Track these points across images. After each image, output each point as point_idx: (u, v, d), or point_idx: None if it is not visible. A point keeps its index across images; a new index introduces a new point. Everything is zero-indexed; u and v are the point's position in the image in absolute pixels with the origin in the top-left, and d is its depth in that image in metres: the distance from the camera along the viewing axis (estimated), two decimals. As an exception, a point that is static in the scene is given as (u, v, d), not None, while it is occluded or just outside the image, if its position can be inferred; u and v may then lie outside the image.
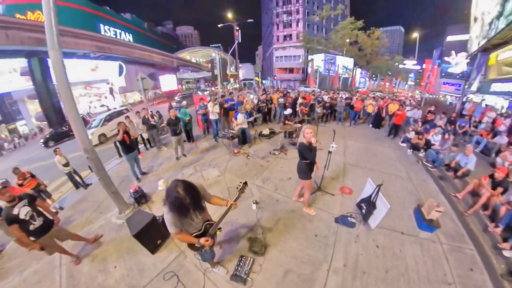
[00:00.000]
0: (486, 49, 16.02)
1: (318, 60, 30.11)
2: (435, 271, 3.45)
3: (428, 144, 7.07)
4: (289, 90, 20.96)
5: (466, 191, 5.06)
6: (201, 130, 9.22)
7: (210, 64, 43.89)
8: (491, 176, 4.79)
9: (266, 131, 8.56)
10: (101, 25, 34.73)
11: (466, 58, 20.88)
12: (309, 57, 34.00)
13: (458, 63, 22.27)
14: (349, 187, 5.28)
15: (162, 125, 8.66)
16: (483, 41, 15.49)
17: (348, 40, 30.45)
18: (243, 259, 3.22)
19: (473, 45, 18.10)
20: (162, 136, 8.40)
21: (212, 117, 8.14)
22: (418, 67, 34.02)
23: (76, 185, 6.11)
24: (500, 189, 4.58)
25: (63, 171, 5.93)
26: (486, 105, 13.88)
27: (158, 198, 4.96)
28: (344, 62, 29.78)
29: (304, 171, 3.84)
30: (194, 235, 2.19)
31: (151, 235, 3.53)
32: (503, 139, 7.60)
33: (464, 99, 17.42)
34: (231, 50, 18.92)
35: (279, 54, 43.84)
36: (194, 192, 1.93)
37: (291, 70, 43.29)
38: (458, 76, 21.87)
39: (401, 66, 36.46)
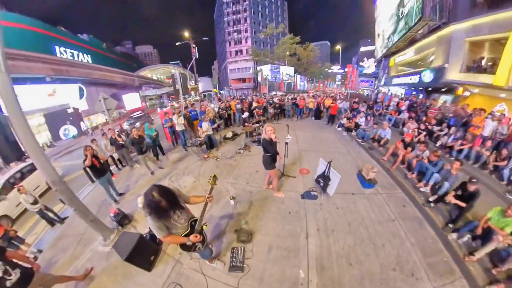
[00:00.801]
0: (387, 56, 20.62)
1: (266, 70, 33.10)
2: (381, 214, 4.19)
3: (357, 126, 8.27)
4: (254, 95, 21.84)
5: (389, 154, 6.17)
6: (170, 142, 8.72)
7: (171, 80, 42.34)
8: (403, 141, 5.96)
9: (229, 134, 8.66)
10: (57, 47, 28.84)
11: (374, 62, 26.66)
12: (258, 68, 36.93)
13: (369, 66, 28.96)
14: (306, 168, 5.77)
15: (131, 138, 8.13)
16: (384, 50, 20.27)
17: (288, 53, 34.75)
18: (235, 250, 3.24)
19: (378, 53, 23.19)
20: (133, 154, 7.63)
21: (178, 128, 7.82)
22: (342, 71, 40.09)
23: (51, 222, 4.93)
24: (409, 149, 5.80)
25: (32, 210, 4.75)
26: (391, 93, 16.89)
27: (141, 216, 4.48)
28: (286, 70, 33.56)
29: (269, 162, 4.12)
30: (183, 235, 2.12)
31: (143, 254, 3.22)
32: (405, 115, 9.47)
33: (376, 91, 20.97)
34: (190, 66, 18.52)
35: (233, 67, 46.34)
36: (168, 193, 1.87)
37: (244, 80, 46.04)
38: (370, 75, 28.02)
39: (330, 70, 42.43)
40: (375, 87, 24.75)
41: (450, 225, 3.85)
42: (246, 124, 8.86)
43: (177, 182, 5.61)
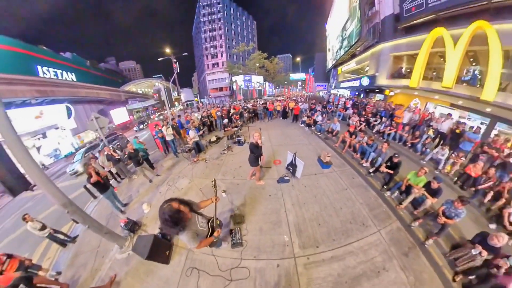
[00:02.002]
0: (336, 66, 22.65)
1: (239, 80, 34.21)
2: (337, 186, 4.81)
3: (315, 122, 9.01)
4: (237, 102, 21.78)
5: (339, 141, 6.95)
6: (162, 151, 8.34)
7: (157, 94, 38.86)
8: (348, 131, 6.72)
9: (213, 139, 8.66)
10: (39, 67, 23.68)
11: (327, 71, 28.80)
12: (233, 79, 37.94)
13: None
14: (279, 159, 6.16)
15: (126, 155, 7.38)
16: (333, 61, 22.37)
17: (258, 65, 36.05)
18: (233, 231, 3.46)
19: (329, 64, 25.21)
20: (129, 166, 7.08)
21: (168, 138, 7.58)
22: (303, 78, 42.75)
23: (62, 243, 4.32)
24: (353, 136, 6.56)
25: (41, 236, 4.09)
26: (340, 95, 18.49)
27: (148, 220, 4.30)
28: (257, 79, 35.08)
29: (254, 161, 4.47)
30: (208, 235, 2.11)
31: (160, 251, 3.24)
32: (350, 111, 10.56)
33: (329, 93, 22.70)
34: (172, 79, 17.71)
35: (211, 78, 46.17)
36: (182, 200, 1.81)
37: (221, 89, 46.25)
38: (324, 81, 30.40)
39: (292, 78, 44.55)
40: (328, 90, 26.88)
41: (385, 187, 4.73)
42: (226, 128, 8.97)
43: (174, 185, 5.46)
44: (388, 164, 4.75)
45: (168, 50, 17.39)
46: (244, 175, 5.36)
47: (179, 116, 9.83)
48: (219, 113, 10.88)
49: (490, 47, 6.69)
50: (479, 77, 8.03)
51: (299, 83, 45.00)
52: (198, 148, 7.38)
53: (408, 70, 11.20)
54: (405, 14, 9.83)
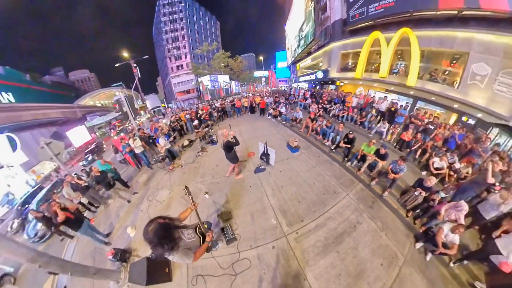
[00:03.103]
0: (295, 62, 24.17)
1: (205, 80, 32.54)
2: (307, 165, 5.12)
3: (280, 113, 9.36)
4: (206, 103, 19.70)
5: (303, 127, 7.42)
6: (134, 166, 7.05)
7: (117, 105, 32.03)
8: (310, 118, 7.20)
9: (185, 142, 7.99)
10: None
11: (287, 67, 29.59)
12: (199, 79, 35.64)
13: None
14: (252, 152, 6.18)
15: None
16: (292, 59, 24.16)
17: (222, 65, 34.93)
18: (224, 229, 3.36)
19: (289, 61, 27.35)
20: (101, 191, 5.79)
21: (138, 151, 6.50)
22: (266, 74, 43.61)
23: None
24: (314, 121, 7.05)
25: None
26: (299, 87, 19.62)
27: (137, 244, 3.69)
28: (223, 78, 34.26)
29: (234, 157, 4.33)
30: (201, 244, 1.95)
31: (158, 271, 2.87)
32: (309, 100, 11.33)
33: (290, 87, 23.85)
34: (134, 86, 15.02)
35: (176, 81, 42.14)
36: (162, 217, 1.64)
37: (188, 91, 42.83)
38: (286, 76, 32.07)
39: (256, 76, 44.87)
40: (289, 84, 28.34)
41: (345, 159, 5.32)
42: (197, 130, 8.44)
43: (155, 199, 4.83)
44: (345, 140, 5.36)
45: (126, 54, 14.97)
46: (222, 173, 5.20)
47: (140, 129, 8.60)
48: (188, 116, 10.20)
49: (412, 47, 8.54)
50: (404, 69, 10.02)
51: (263, 79, 45.93)
52: (172, 155, 6.70)
53: (353, 64, 12.86)
54: (350, 20, 11.37)
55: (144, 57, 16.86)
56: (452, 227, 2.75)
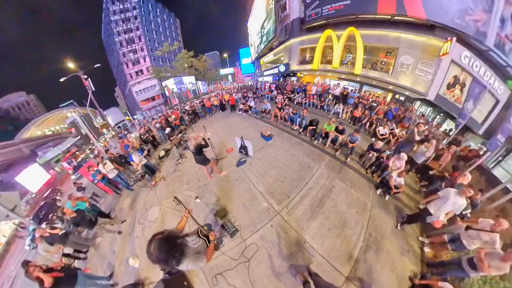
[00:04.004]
0: (258, 58, 24.71)
1: (170, 84, 29.01)
2: (282, 149, 5.49)
3: (250, 107, 9.55)
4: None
5: (272, 117, 7.84)
6: (112, 193, 6.04)
7: (73, 129, 24.67)
8: (277, 107, 7.59)
9: (162, 153, 7.22)
10: None
11: (251, 63, 29.80)
12: (163, 84, 31.58)
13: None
14: (231, 147, 6.18)
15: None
16: (256, 55, 24.91)
17: (186, 65, 31.76)
18: (224, 225, 3.40)
19: (253, 57, 27.71)
20: (85, 234, 4.68)
21: (111, 175, 5.47)
22: (232, 71, 42.40)
23: None
24: (282, 110, 7.49)
25: None
26: (265, 81, 20.07)
27: (145, 272, 3.33)
28: (189, 80, 31.05)
29: (204, 159, 4.19)
30: (207, 246, 1.92)
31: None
32: (275, 92, 11.82)
33: (256, 81, 24.09)
34: (88, 102, 11.75)
35: (137, 88, 36.11)
36: (161, 232, 1.50)
37: (153, 98, 37.68)
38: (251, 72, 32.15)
39: (222, 73, 43.26)
40: (255, 79, 28.61)
41: (312, 138, 5.93)
42: (171, 137, 7.84)
43: (146, 221, 4.37)
44: (310, 123, 5.95)
45: (71, 65, 11.93)
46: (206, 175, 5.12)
47: (107, 151, 7.31)
48: (158, 125, 9.33)
49: (357, 43, 10.34)
50: (352, 60, 11.76)
51: (230, 76, 44.77)
52: (151, 170, 5.99)
53: (311, 58, 14.07)
54: (307, 19, 12.42)
55: (96, 65, 13.55)
56: (398, 173, 3.69)
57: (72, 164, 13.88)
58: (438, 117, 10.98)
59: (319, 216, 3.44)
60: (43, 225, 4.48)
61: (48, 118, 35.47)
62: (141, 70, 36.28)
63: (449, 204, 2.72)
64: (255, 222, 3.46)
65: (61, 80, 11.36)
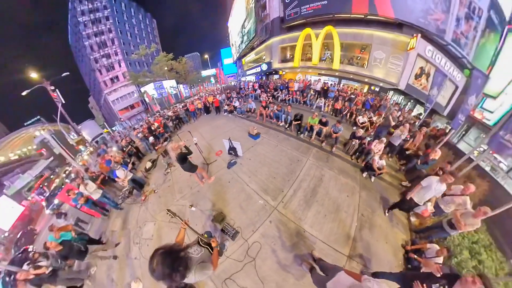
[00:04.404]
0: (240, 58, 25.03)
1: (150, 89, 27.07)
2: (270, 146, 5.62)
3: (235, 107, 9.54)
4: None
5: (258, 116, 7.94)
6: (99, 216, 5.44)
7: (44, 149, 21.08)
8: (262, 106, 7.71)
9: (148, 165, 6.74)
10: None
11: (233, 63, 29.58)
12: (142, 90, 29.27)
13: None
14: (219, 150, 6.10)
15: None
16: (237, 55, 24.99)
17: (166, 68, 29.76)
18: (224, 229, 3.41)
19: (234, 57, 27.53)
20: (76, 267, 4.10)
21: (96, 196, 4.94)
22: (214, 72, 41.41)
23: None
24: (267, 108, 7.63)
25: None
26: (248, 80, 20.19)
27: None
28: (169, 84, 29.23)
29: (191, 166, 4.05)
30: (212, 251, 1.91)
31: None
32: (259, 91, 11.98)
33: (239, 81, 24.08)
34: (59, 116, 10.39)
35: (114, 97, 32.56)
36: (162, 247, 1.44)
37: (132, 107, 34.38)
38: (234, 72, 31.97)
39: (204, 75, 42.10)
40: (238, 78, 28.58)
41: (298, 132, 6.15)
42: (156, 147, 7.48)
43: (142, 239, 4.10)
44: (295, 118, 6.16)
45: (35, 75, 10.52)
46: (198, 182, 5.00)
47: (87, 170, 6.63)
48: (140, 135, 8.82)
49: (334, 41, 11.14)
50: (330, 57, 12.51)
51: (212, 78, 43.81)
52: (139, 184, 5.55)
53: (291, 55, 14.55)
54: (287, 18, 12.89)
55: (64, 74, 11.94)
56: (380, 156, 4.09)
57: (44, 194, 10.92)
58: (409, 103, 12.28)
59: (314, 204, 3.63)
60: (25, 267, 3.96)
61: (12, 140, 29.79)
62: (117, 77, 33.08)
63: (432, 191, 2.89)
64: (254, 221, 3.51)
65: (24, 93, 9.99)
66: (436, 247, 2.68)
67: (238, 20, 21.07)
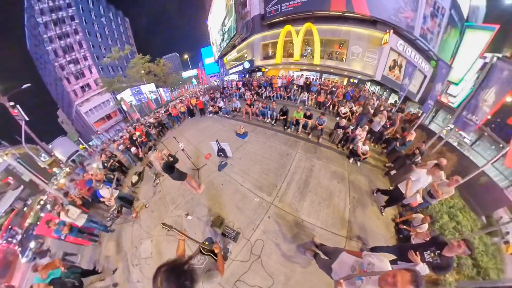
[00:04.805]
0: (221, 57, 24.46)
1: (127, 96, 24.46)
2: (259, 144, 5.70)
3: (220, 108, 9.44)
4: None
5: (244, 114, 7.92)
6: (89, 243, 4.82)
7: (11, 178, 15.96)
8: (247, 104, 7.77)
9: (134, 179, 6.23)
10: None
11: (215, 62, 28.84)
12: (118, 97, 26.48)
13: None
14: (209, 153, 5.99)
15: None
16: (218, 53, 24.25)
17: (143, 72, 27.39)
18: (225, 232, 3.41)
19: (216, 56, 26.61)
20: None
21: (80, 222, 4.36)
22: (195, 73, 39.80)
23: None
24: (252, 106, 7.66)
25: None
26: (231, 79, 19.96)
27: None
28: (148, 88, 26.86)
29: (181, 174, 3.92)
30: (216, 257, 1.89)
31: None
32: (243, 89, 11.97)
33: (222, 81, 23.74)
34: (23, 137, 8.91)
35: (86, 108, 28.75)
36: (165, 264, 1.39)
37: (109, 117, 30.82)
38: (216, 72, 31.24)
39: (185, 77, 40.31)
40: (221, 78, 28.08)
41: (285, 127, 6.33)
42: (140, 155, 7.08)
43: (140, 259, 3.85)
44: (281, 113, 6.31)
45: None
46: (190, 190, 4.87)
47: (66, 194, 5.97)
48: (121, 147, 8.26)
49: (314, 37, 11.65)
50: (311, 53, 13.05)
51: (194, 79, 42.36)
52: (127, 201, 5.12)
53: (273, 52, 14.85)
54: (267, 15, 13.12)
55: (24, 86, 10.15)
56: (363, 142, 4.44)
57: (16, 236, 8.22)
58: (385, 93, 13.50)
59: (308, 194, 3.82)
60: None
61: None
62: (88, 84, 29.57)
63: (420, 183, 3.05)
64: (252, 219, 3.55)
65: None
66: (421, 216, 3.04)
67: (218, 18, 20.61)
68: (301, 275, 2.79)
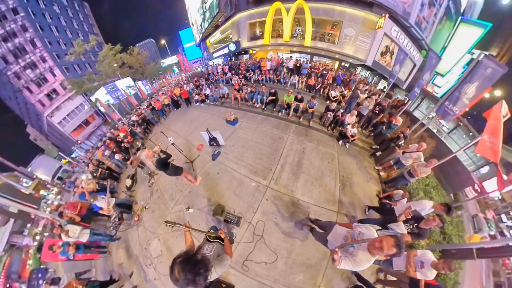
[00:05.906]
0: (204, 39, 22.64)
1: (102, 95, 22.10)
2: (251, 129, 5.82)
3: (206, 96, 9.17)
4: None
5: (233, 100, 7.80)
6: (99, 256, 4.82)
7: None
8: (235, 89, 7.69)
9: (128, 182, 6.17)
10: None
11: (197, 46, 27.11)
12: (92, 98, 23.78)
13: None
14: (200, 144, 5.95)
15: None
16: (200, 35, 22.34)
17: (116, 65, 24.34)
18: (226, 218, 3.64)
19: (197, 39, 24.70)
20: None
21: (84, 238, 4.30)
22: (176, 60, 37.15)
23: None
24: (241, 91, 7.63)
25: None
26: (217, 64, 19.03)
27: None
28: (125, 83, 24.24)
29: (176, 169, 3.88)
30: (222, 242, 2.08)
31: None
32: (229, 74, 11.67)
33: (207, 66, 22.55)
34: None
35: (59, 118, 25.26)
36: (179, 255, 1.49)
37: (86, 123, 27.84)
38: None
39: (165, 65, 37.60)
40: (205, 63, 26.69)
41: (276, 111, 6.48)
42: (129, 160, 6.84)
43: (152, 259, 4.01)
44: (270, 97, 6.44)
45: None
46: (187, 184, 4.92)
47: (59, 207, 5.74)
48: (107, 152, 7.84)
49: (306, 16, 11.18)
50: (302, 33, 12.69)
51: (175, 66, 39.65)
52: (126, 207, 5.20)
53: (261, 32, 14.10)
54: None
55: None
56: (352, 124, 4.76)
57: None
58: (375, 78, 13.81)
59: (301, 175, 4.15)
60: None
61: None
62: (54, 90, 25.33)
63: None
64: (251, 203, 3.81)
65: None
66: (401, 192, 3.53)
67: (197, -6, 18.69)
68: (301, 248, 3.20)
